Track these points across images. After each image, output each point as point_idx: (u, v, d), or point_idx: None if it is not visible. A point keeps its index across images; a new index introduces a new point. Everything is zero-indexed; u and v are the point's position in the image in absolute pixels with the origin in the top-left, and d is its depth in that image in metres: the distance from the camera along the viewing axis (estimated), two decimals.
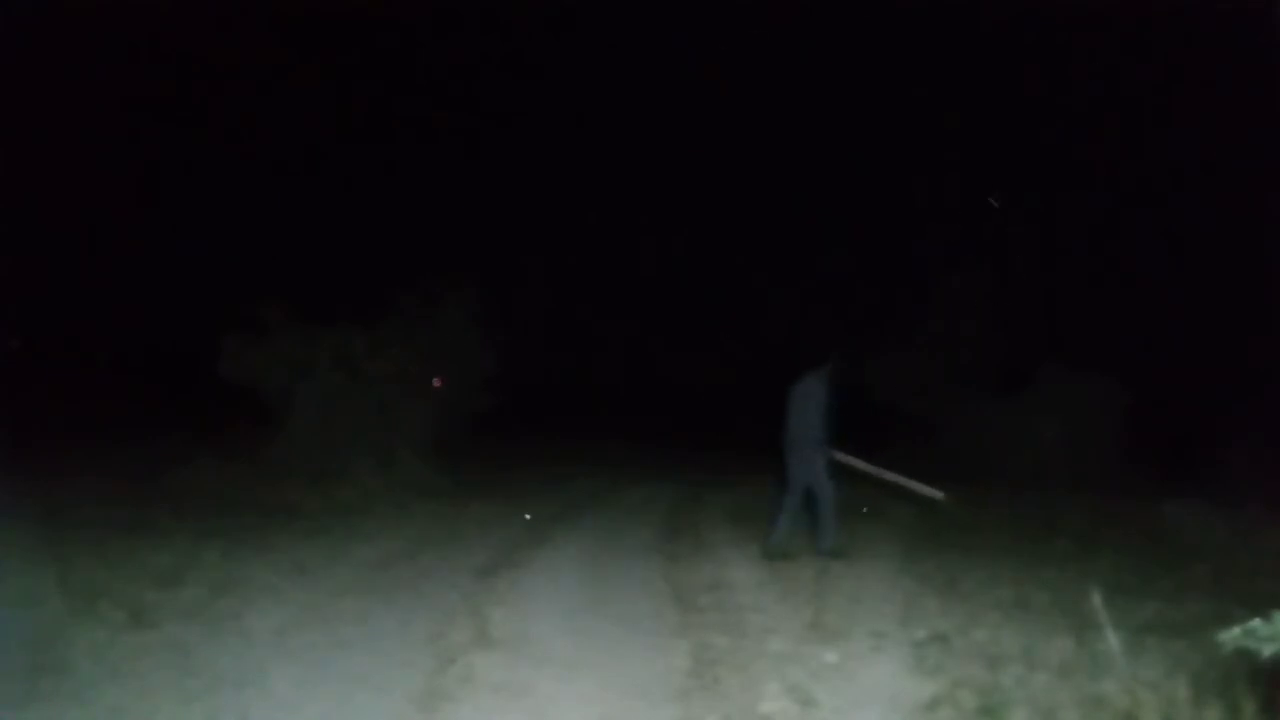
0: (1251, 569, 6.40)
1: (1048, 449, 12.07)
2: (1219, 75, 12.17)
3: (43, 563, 5.57)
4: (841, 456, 7.25)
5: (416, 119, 19.59)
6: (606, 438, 16.57)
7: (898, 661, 4.70)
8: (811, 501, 7.17)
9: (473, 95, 20.17)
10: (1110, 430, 12.07)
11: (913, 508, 9.35)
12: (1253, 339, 11.57)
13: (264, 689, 4.15)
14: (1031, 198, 16.39)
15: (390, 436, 10.62)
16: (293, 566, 6.40)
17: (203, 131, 17.42)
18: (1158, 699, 3.70)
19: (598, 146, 21.06)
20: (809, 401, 7.10)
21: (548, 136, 20.99)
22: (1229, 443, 9.89)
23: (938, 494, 7.32)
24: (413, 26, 17.75)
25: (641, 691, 4.31)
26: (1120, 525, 8.35)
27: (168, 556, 6.29)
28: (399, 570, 6.58)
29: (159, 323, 18.76)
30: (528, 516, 8.88)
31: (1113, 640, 4.09)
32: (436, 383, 11.45)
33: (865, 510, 8.64)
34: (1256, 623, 2.94)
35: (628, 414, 19.33)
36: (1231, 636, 2.98)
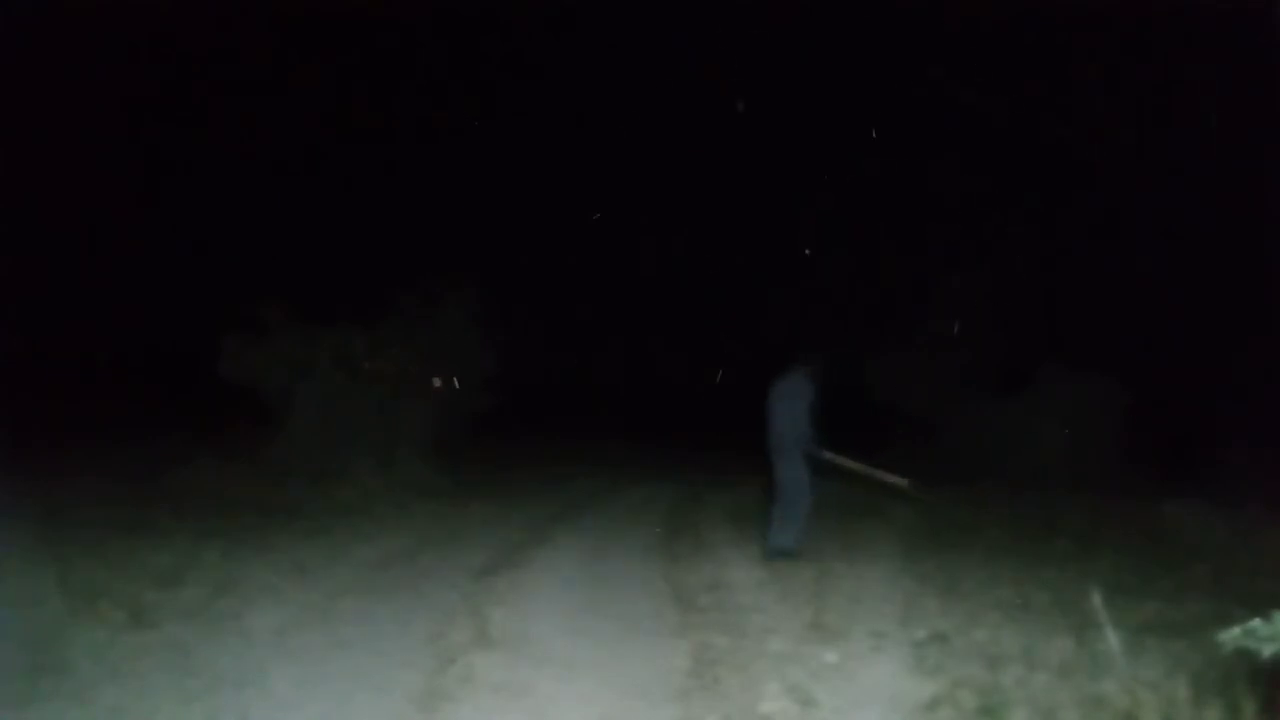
0: (1251, 569, 6.40)
1: (1048, 449, 12.07)
2: (1219, 75, 12.17)
3: (43, 563, 5.57)
4: (827, 455, 7.18)
5: (416, 119, 19.58)
6: (606, 438, 16.57)
7: (898, 661, 4.70)
8: (785, 497, 7.10)
9: (473, 95, 20.16)
10: (1110, 430, 12.07)
11: (912, 508, 9.37)
12: (1253, 339, 11.57)
13: (264, 689, 4.15)
14: (1031, 198, 16.38)
15: (390, 436, 10.63)
16: (293, 566, 6.40)
17: (202, 131, 17.41)
18: (1158, 699, 3.70)
19: (598, 146, 21.06)
20: (790, 401, 7.07)
21: (548, 136, 20.98)
22: (1229, 443, 9.89)
23: (903, 482, 7.27)
24: (413, 26, 17.75)
25: (641, 691, 4.31)
26: (1120, 525, 8.34)
27: (168, 556, 6.29)
28: (399, 570, 6.59)
29: (159, 323, 18.74)
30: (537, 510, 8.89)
31: (1113, 640, 4.09)
32: (436, 383, 11.45)
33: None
34: (1256, 623, 2.94)
35: (628, 414, 19.33)
36: (1231, 636, 2.98)
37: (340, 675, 4.36)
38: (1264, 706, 3.34)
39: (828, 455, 7.14)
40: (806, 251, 19.87)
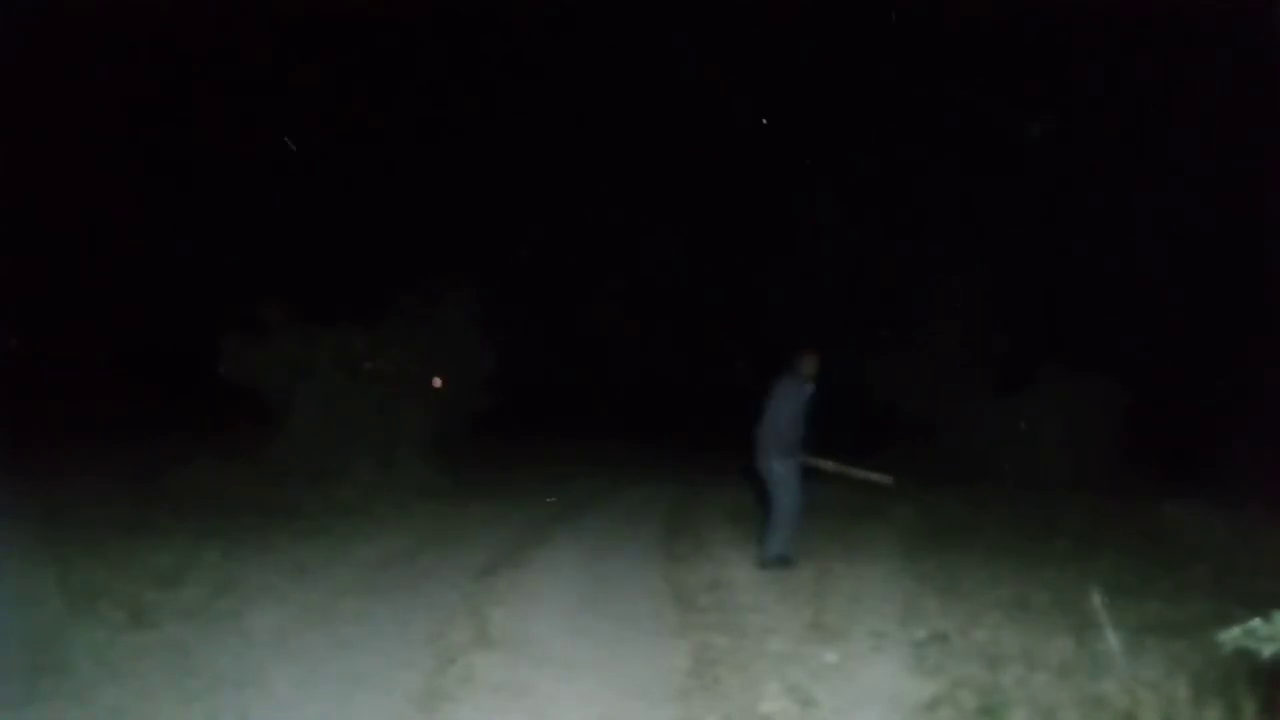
0: (1251, 569, 6.40)
1: (1048, 449, 12.07)
2: (1219, 75, 12.17)
3: (43, 563, 5.57)
4: (807, 459, 6.95)
5: (416, 119, 19.60)
6: (606, 438, 16.57)
7: (898, 661, 4.70)
8: (775, 504, 6.89)
9: (473, 95, 20.17)
10: (1110, 430, 12.08)
11: (912, 508, 9.37)
12: (1253, 339, 11.57)
13: (264, 689, 4.15)
14: (1031, 198, 16.38)
15: (390, 436, 10.63)
16: (293, 566, 6.40)
17: (202, 131, 17.42)
18: (1158, 699, 3.70)
19: (598, 146, 21.06)
20: (777, 404, 6.85)
21: (548, 136, 20.98)
22: (1229, 443, 9.89)
23: (887, 479, 7.12)
24: (413, 26, 17.75)
25: (641, 691, 4.31)
26: (1120, 525, 8.34)
27: (168, 556, 6.29)
28: (399, 570, 6.59)
29: (159, 323, 18.75)
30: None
31: (1113, 640, 4.09)
32: (436, 383, 11.45)
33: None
34: (1256, 623, 2.94)
35: (628, 414, 19.33)
36: (1231, 636, 2.98)
37: (340, 675, 4.36)
38: (1264, 706, 3.34)
39: (805, 459, 6.92)
40: (806, 253, 19.86)
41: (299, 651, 4.68)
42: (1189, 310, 13.69)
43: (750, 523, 8.50)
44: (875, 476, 7.12)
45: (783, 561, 6.84)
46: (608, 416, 18.83)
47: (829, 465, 7.13)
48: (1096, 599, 4.23)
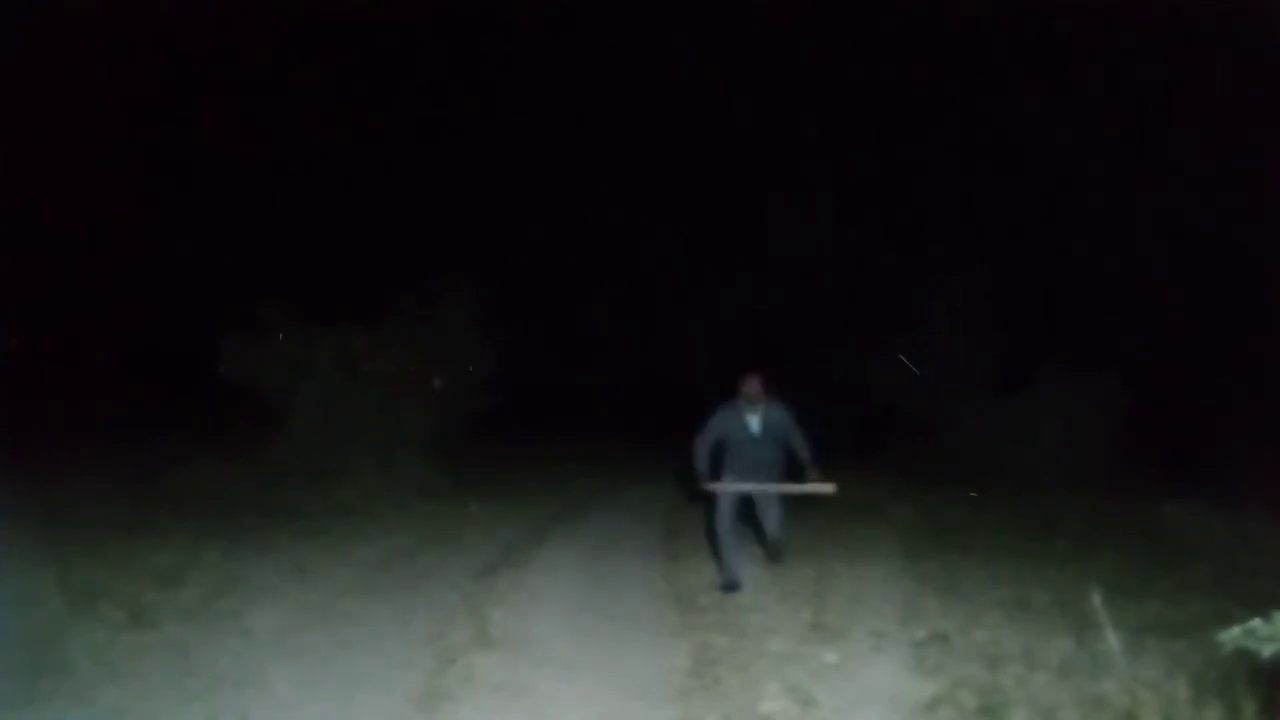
0: (1251, 569, 6.40)
1: (1048, 449, 12.07)
2: (1219, 75, 12.18)
3: (43, 563, 5.57)
4: (716, 486, 6.32)
5: (416, 119, 19.61)
6: (606, 438, 16.55)
7: (898, 661, 4.70)
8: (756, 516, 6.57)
9: (473, 95, 20.18)
10: (1110, 430, 12.07)
11: (912, 508, 9.37)
12: (1253, 339, 11.57)
13: (264, 689, 4.15)
14: (1031, 198, 16.39)
15: (390, 436, 10.61)
16: (293, 566, 6.40)
17: (202, 131, 17.43)
18: (1158, 699, 3.70)
19: (597, 146, 21.07)
20: (708, 424, 6.38)
21: (547, 136, 21.00)
22: (1229, 443, 9.88)
23: (829, 488, 6.21)
24: (413, 26, 17.76)
25: (641, 691, 4.31)
26: (1120, 525, 8.34)
27: (168, 556, 6.29)
28: (399, 570, 6.58)
29: (159, 323, 18.76)
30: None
31: (1113, 640, 4.08)
32: (437, 383, 11.44)
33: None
34: (1256, 623, 2.94)
35: (628, 414, 19.32)
36: (1231, 636, 2.98)
37: (340, 675, 4.36)
38: (1264, 706, 3.34)
39: (712, 486, 6.31)
40: (806, 253, 19.86)
41: (299, 651, 4.68)
42: (1189, 310, 13.70)
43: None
44: (822, 488, 6.27)
45: (777, 550, 6.66)
46: (608, 416, 18.82)
47: (770, 488, 6.42)
48: (1096, 599, 4.23)
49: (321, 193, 18.47)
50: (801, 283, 20.47)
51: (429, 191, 19.44)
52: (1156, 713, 3.63)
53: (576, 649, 4.92)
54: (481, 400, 12.00)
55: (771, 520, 6.60)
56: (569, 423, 17.53)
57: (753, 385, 6.28)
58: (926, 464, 12.15)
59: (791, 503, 6.69)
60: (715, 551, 6.60)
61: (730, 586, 6.23)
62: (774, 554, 6.79)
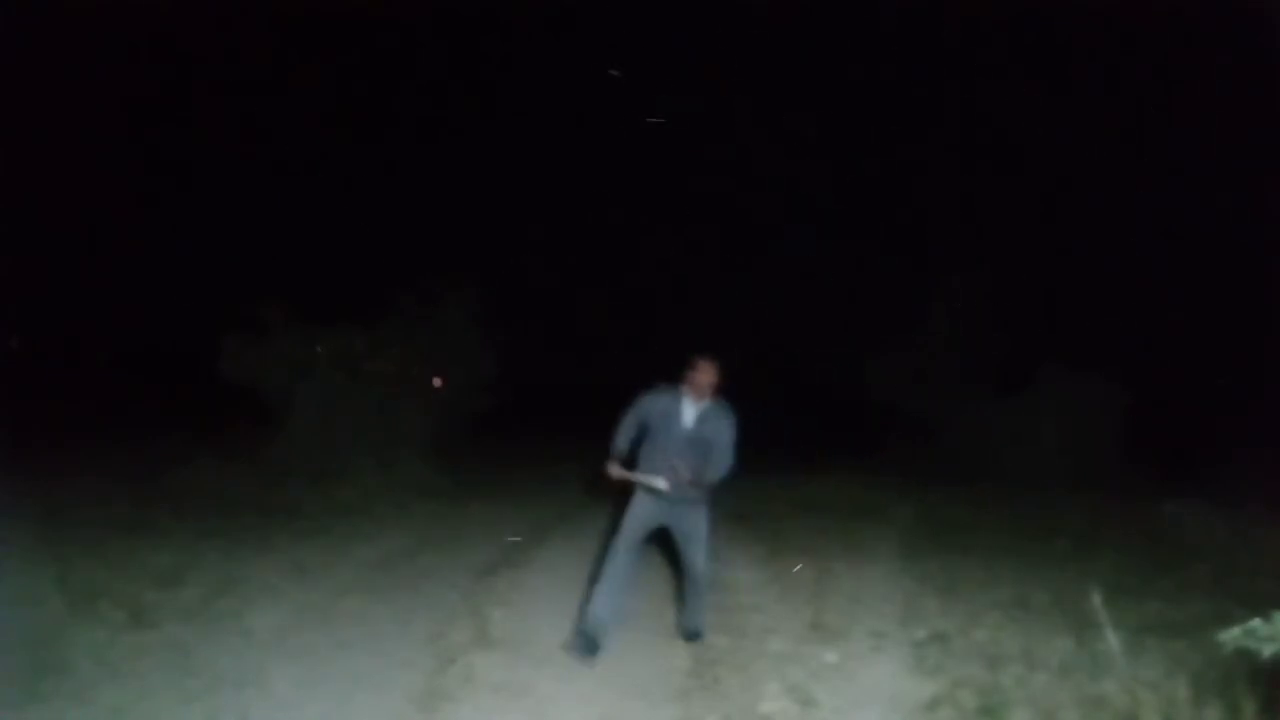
0: (1251, 569, 6.40)
1: (1048, 449, 12.07)
2: (1219, 75, 12.18)
3: (43, 563, 5.57)
4: (627, 474, 5.34)
5: (416, 119, 19.62)
6: (607, 438, 16.54)
7: (898, 661, 4.70)
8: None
9: (473, 95, 20.19)
10: (1110, 430, 12.06)
11: (912, 508, 9.37)
12: (1253, 339, 11.58)
13: (264, 689, 4.15)
14: (1031, 197, 16.40)
15: (390, 436, 10.61)
16: (293, 566, 6.40)
17: (202, 131, 17.45)
18: (1158, 699, 3.70)
19: (597, 146, 21.08)
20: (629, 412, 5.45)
21: (547, 136, 21.01)
22: (1229, 443, 9.89)
23: (660, 482, 5.05)
24: (413, 26, 17.77)
25: (641, 691, 4.31)
26: (1120, 525, 8.34)
27: (168, 556, 6.29)
28: (399, 570, 6.58)
29: (159, 323, 18.77)
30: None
31: (1113, 640, 4.08)
32: (437, 383, 11.44)
33: None
34: (1256, 623, 2.94)
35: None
36: (1231, 636, 2.98)
37: (340, 675, 4.36)
38: (1264, 706, 3.34)
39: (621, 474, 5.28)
40: (806, 252, 19.86)
41: (299, 651, 4.68)
42: (1189, 310, 13.70)
43: (751, 523, 8.50)
44: (647, 479, 5.24)
45: (694, 630, 5.14)
46: (608, 416, 18.81)
47: (659, 483, 5.21)
48: (1096, 599, 4.23)
49: (321, 193, 18.49)
50: (801, 283, 20.48)
51: (429, 191, 19.46)
52: (1156, 713, 3.63)
53: None
54: (481, 400, 12.00)
55: (694, 557, 5.02)
56: (569, 423, 17.51)
57: (706, 375, 5.07)
58: (926, 464, 12.14)
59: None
60: (593, 578, 5.11)
61: (586, 647, 4.70)
62: (690, 629, 5.12)
